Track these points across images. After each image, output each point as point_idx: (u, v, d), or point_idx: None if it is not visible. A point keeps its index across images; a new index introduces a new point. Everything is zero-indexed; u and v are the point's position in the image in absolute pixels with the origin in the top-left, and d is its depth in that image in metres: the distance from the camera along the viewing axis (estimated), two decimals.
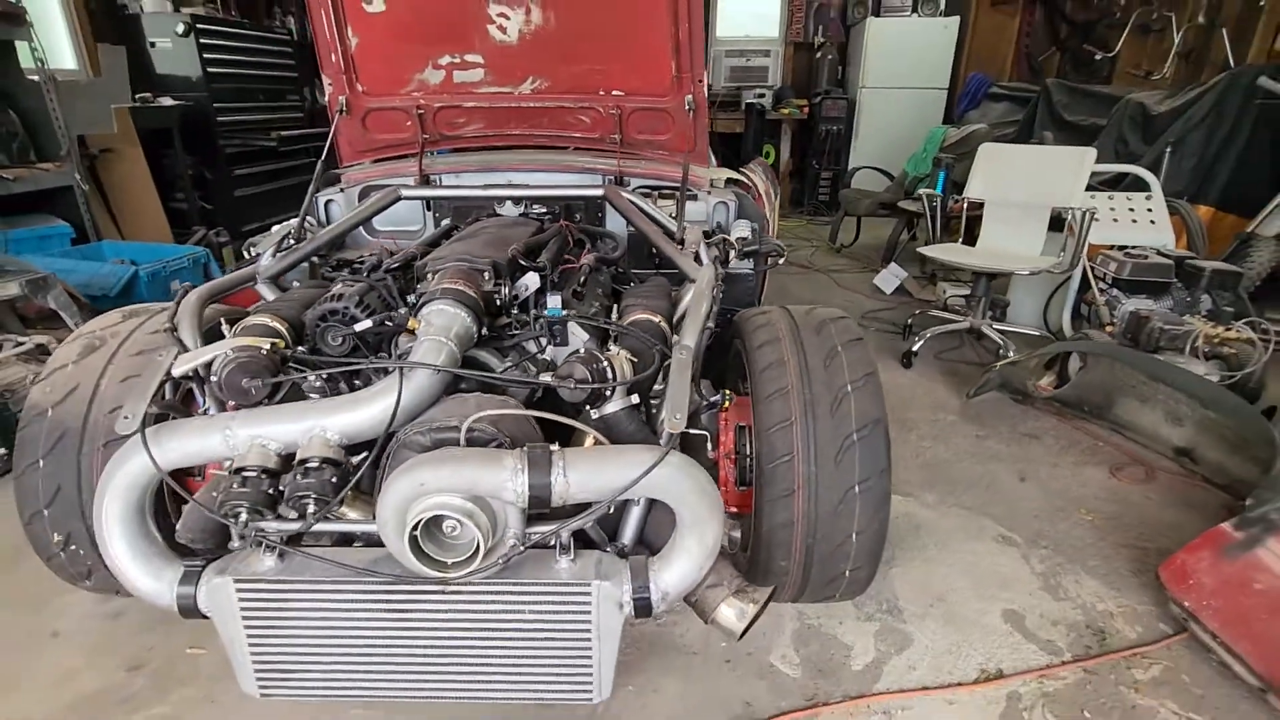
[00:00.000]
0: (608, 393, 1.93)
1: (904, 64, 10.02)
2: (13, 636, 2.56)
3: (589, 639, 1.85)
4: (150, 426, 1.86)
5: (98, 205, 6.08)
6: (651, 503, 2.09)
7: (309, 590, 1.82)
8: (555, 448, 1.69)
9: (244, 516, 1.73)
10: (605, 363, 1.94)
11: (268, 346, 1.93)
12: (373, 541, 1.99)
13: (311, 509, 1.72)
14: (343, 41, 3.20)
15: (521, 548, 1.69)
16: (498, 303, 2.27)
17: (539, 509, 1.68)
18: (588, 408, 1.96)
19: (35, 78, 5.43)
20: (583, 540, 1.96)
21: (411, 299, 2.22)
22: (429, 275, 2.28)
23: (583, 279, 2.49)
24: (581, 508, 1.76)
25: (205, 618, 1.88)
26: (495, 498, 1.66)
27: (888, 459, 2.17)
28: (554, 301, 2.29)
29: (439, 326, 2.02)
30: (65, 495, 2.18)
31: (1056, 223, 4.81)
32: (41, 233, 5.41)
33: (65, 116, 5.54)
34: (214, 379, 1.88)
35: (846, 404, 2.19)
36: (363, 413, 1.83)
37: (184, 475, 2.16)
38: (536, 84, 3.37)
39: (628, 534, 2.09)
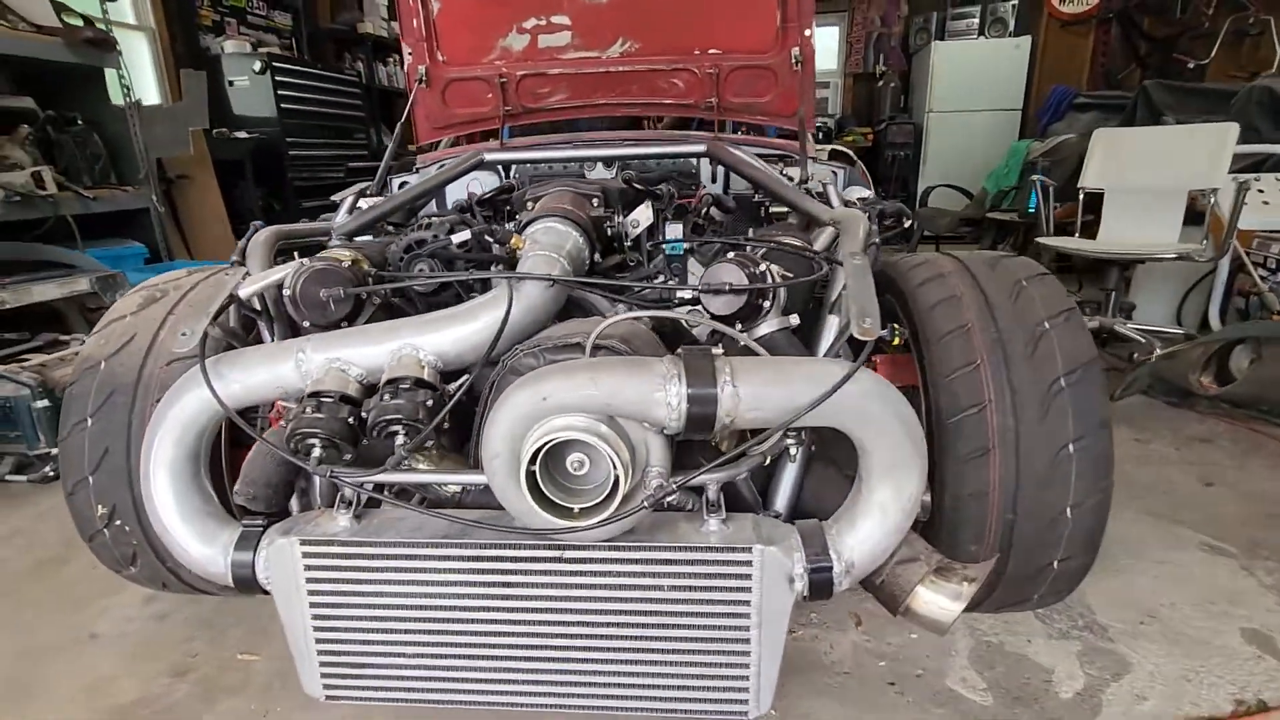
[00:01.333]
0: (765, 305, 1.53)
1: (973, 86, 9.71)
2: (48, 638, 2.23)
3: (747, 625, 1.40)
4: (211, 357, 1.54)
5: (171, 228, 6.11)
6: (811, 459, 1.66)
7: (391, 556, 1.43)
8: (718, 350, 1.29)
9: (317, 451, 1.37)
10: (763, 267, 1.55)
11: (349, 260, 1.61)
12: (463, 505, 1.60)
13: (401, 438, 1.35)
14: (425, 5, 3.02)
15: (672, 486, 1.28)
16: (609, 231, 1.92)
17: (697, 432, 1.28)
18: (737, 325, 1.56)
19: (121, 103, 5.53)
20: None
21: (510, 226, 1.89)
22: (528, 205, 1.95)
23: (705, 210, 2.13)
24: (705, 467, 1.35)
25: (265, 592, 1.50)
26: (641, 418, 1.26)
27: (1107, 410, 1.69)
28: (674, 232, 1.93)
29: (547, 244, 1.67)
30: (113, 460, 1.86)
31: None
32: (118, 252, 5.41)
33: (145, 141, 5.62)
34: (287, 293, 1.56)
35: (1047, 343, 1.73)
36: (463, 329, 1.48)
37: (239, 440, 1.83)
38: (626, 46, 3.12)
39: (781, 498, 1.65)
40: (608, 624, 1.44)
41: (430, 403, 1.37)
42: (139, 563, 1.94)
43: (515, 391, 1.27)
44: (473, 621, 1.46)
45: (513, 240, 1.68)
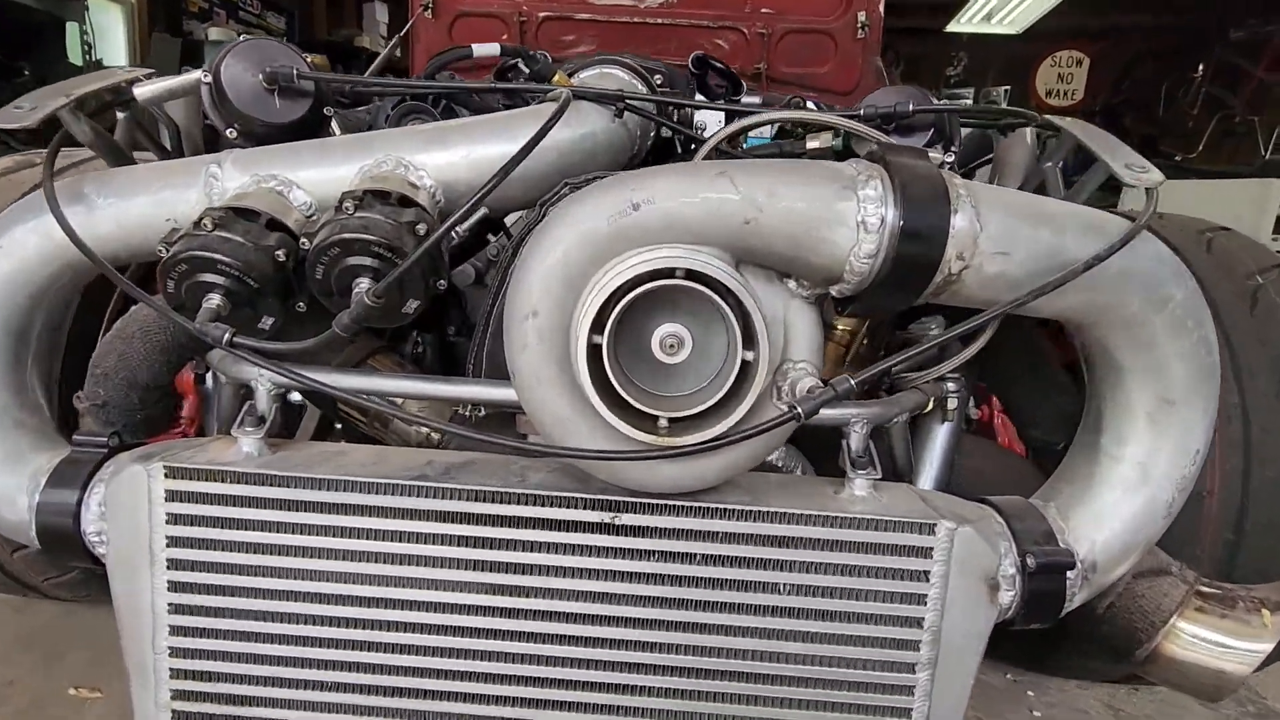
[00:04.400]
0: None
1: None
2: None
3: (914, 661, 0.84)
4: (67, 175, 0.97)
5: None
6: (963, 428, 1.13)
7: (326, 507, 0.84)
8: (938, 153, 0.77)
9: (215, 300, 0.79)
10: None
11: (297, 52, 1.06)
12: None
13: (365, 284, 0.78)
14: None
15: (846, 384, 0.71)
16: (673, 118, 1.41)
17: (893, 298, 0.74)
18: None
19: (79, 63, 4.98)
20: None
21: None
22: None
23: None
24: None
25: (96, 562, 0.88)
26: (797, 258, 0.72)
27: None
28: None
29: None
30: None
31: None
32: None
33: None
34: (207, 78, 0.99)
35: (1267, 298, 1.27)
36: (487, 147, 0.93)
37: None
38: None
39: (926, 475, 1.11)
40: (682, 645, 0.85)
41: (423, 230, 0.81)
42: None
43: (582, 200, 0.73)
44: (459, 627, 0.86)
45: (556, 77, 1.16)
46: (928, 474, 1.10)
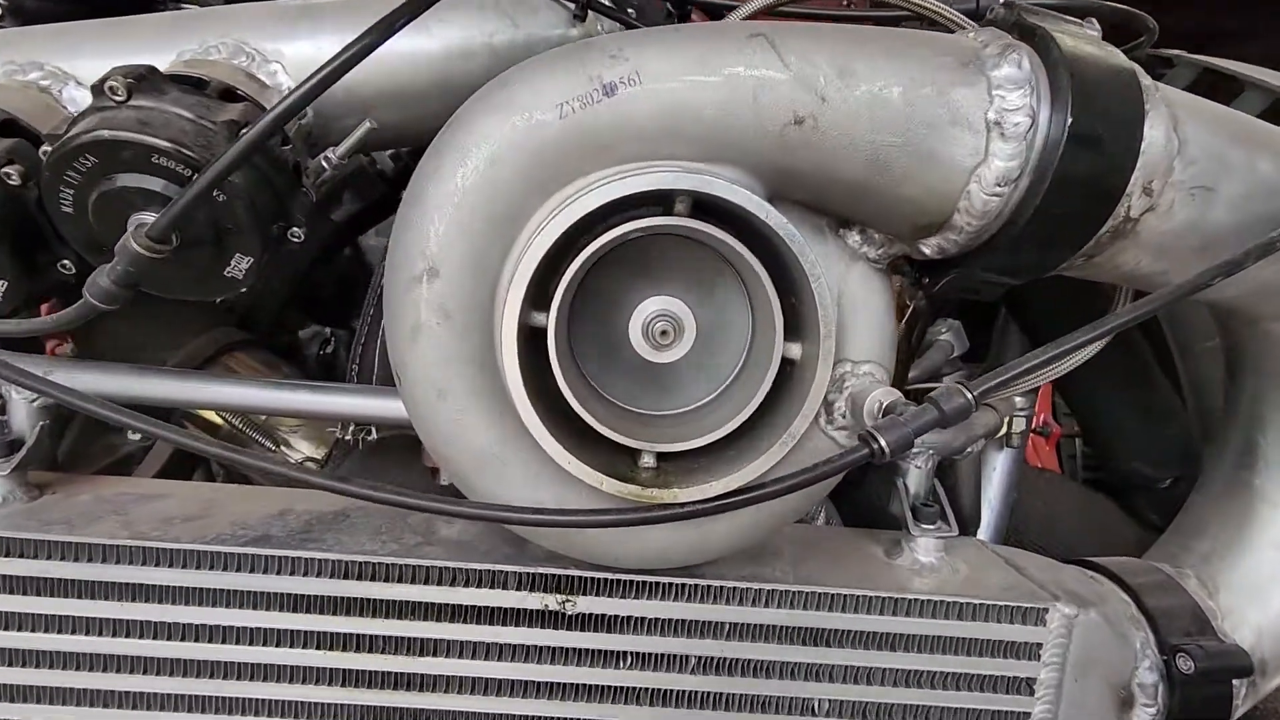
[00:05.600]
0: None
1: None
2: None
3: None
4: None
5: None
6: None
7: (103, 591, 0.51)
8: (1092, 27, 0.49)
9: None
10: None
11: None
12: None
13: (139, 220, 0.46)
14: None
15: (969, 395, 0.42)
16: None
17: (1046, 253, 0.45)
18: None
19: None
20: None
21: None
22: None
23: None
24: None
25: None
26: (894, 187, 0.43)
27: None
28: None
29: None
30: None
31: None
32: None
33: None
34: None
35: None
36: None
37: None
38: None
39: (985, 524, 0.85)
40: None
41: (247, 131, 0.49)
42: None
43: (518, 78, 0.43)
44: None
45: None
46: (984, 521, 0.84)
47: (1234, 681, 0.57)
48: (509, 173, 0.42)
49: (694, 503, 0.41)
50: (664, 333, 0.44)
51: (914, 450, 0.64)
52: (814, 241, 0.49)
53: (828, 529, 0.70)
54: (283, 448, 0.78)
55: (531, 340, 0.43)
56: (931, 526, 0.61)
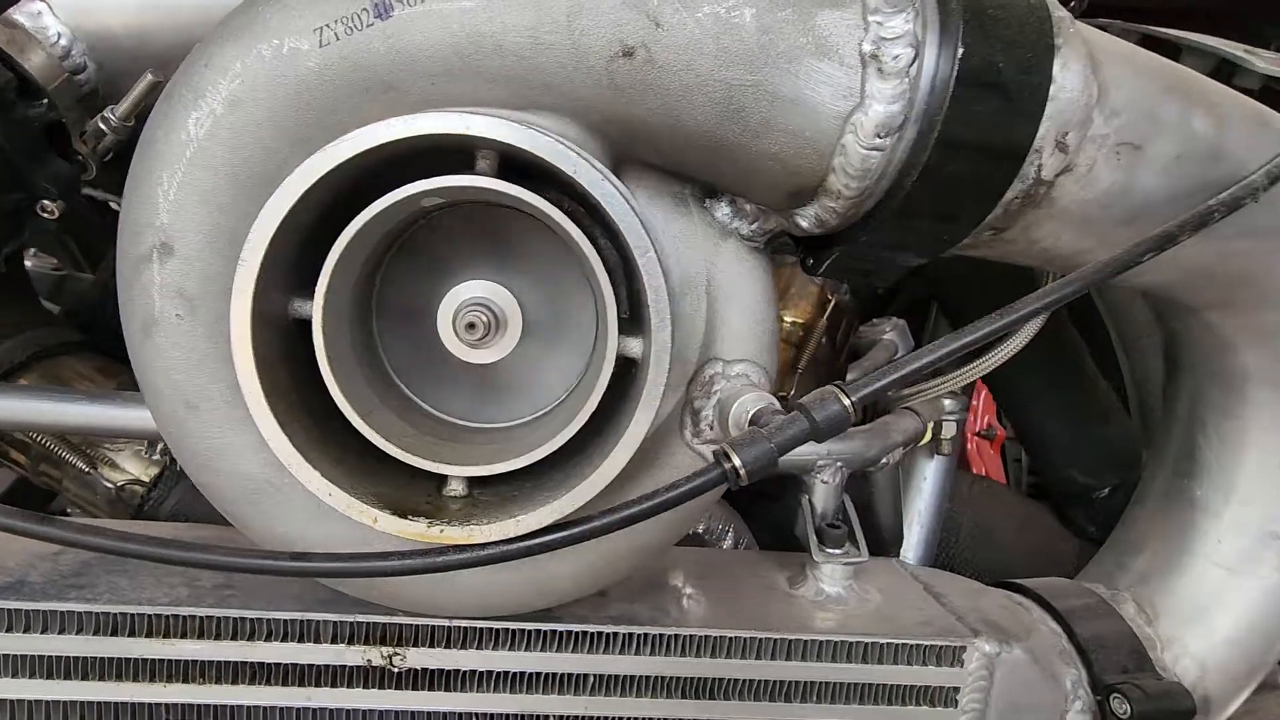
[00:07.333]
0: None
1: None
2: None
3: None
4: None
5: None
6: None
7: None
8: None
9: None
10: None
11: None
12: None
13: None
14: None
15: (846, 400, 0.34)
16: None
17: (941, 226, 0.37)
18: None
19: None
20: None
21: None
22: None
23: None
24: None
25: None
26: (752, 141, 0.35)
27: None
28: None
29: None
30: None
31: None
32: None
33: None
34: None
35: None
36: None
37: None
38: None
39: (911, 542, 0.77)
40: None
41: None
42: None
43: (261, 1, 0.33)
44: None
45: None
46: (911, 535, 0.76)
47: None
48: (257, 118, 0.32)
49: (495, 543, 0.32)
50: (471, 326, 0.35)
51: (820, 462, 0.56)
52: (674, 214, 0.40)
53: (731, 553, 0.61)
54: (102, 468, 0.67)
55: (292, 333, 0.34)
56: (838, 551, 0.53)
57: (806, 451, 0.56)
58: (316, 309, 0.33)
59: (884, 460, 0.59)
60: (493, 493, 0.37)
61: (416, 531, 0.32)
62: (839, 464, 0.56)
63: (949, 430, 0.74)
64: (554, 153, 0.30)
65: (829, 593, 0.52)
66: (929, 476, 0.79)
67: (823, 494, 0.56)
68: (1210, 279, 0.46)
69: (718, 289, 0.41)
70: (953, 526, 0.80)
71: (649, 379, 0.32)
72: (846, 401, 0.33)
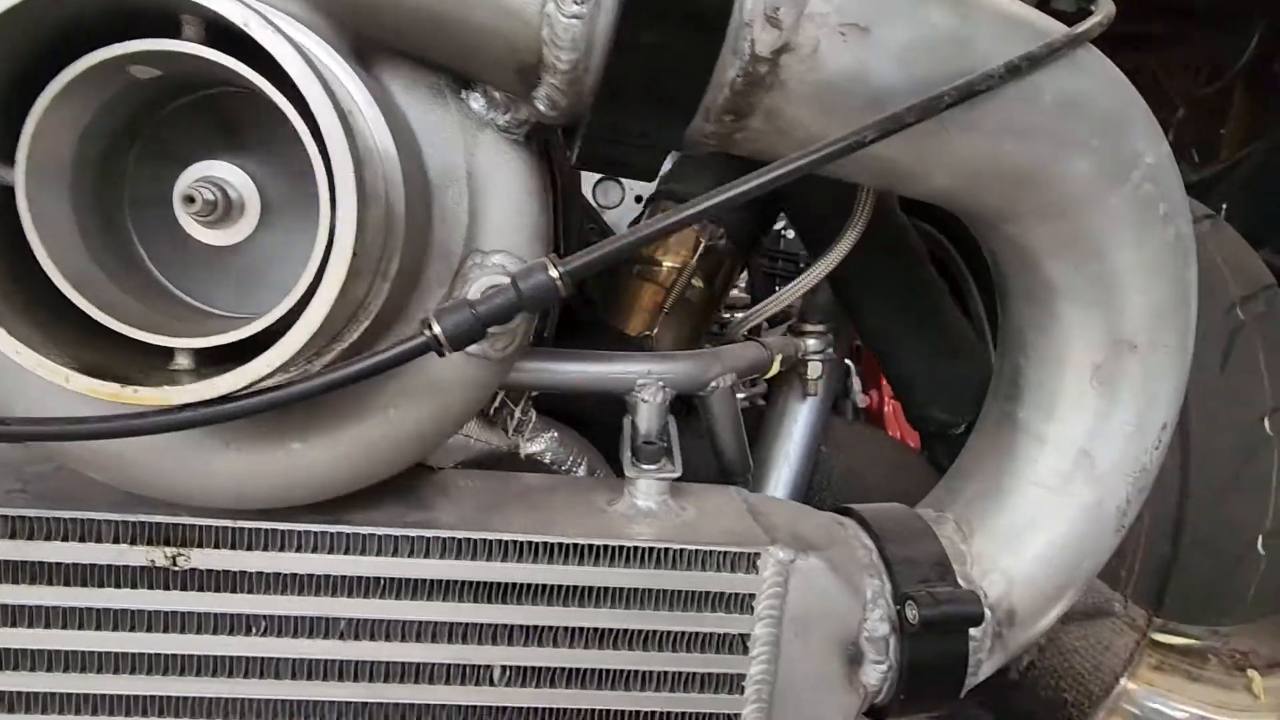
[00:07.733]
0: None
1: None
2: None
3: None
4: None
5: None
6: (830, 411, 0.82)
7: None
8: None
9: None
10: None
11: None
12: None
13: None
14: None
15: (554, 272, 0.34)
16: None
17: (658, 111, 0.36)
18: None
19: None
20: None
21: None
22: None
23: None
24: None
25: None
26: (461, 12, 0.35)
27: None
28: None
29: None
30: None
31: None
32: None
33: None
34: None
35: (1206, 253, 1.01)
36: None
37: None
38: None
39: (777, 471, 0.79)
40: None
41: None
42: None
43: None
44: None
45: None
46: (778, 475, 0.76)
47: (973, 633, 0.51)
48: None
49: (191, 405, 0.32)
50: (195, 200, 0.35)
51: (640, 380, 0.56)
52: (432, 106, 0.40)
53: (561, 477, 0.61)
54: None
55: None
56: (652, 467, 0.53)
57: (626, 369, 0.56)
58: (19, 174, 0.33)
59: (713, 385, 0.59)
60: (219, 372, 0.37)
61: (110, 392, 0.32)
62: (660, 383, 0.56)
63: (814, 370, 0.75)
64: (229, 8, 0.30)
65: (641, 507, 0.53)
66: (799, 419, 0.79)
67: (645, 413, 0.56)
68: (987, 185, 0.46)
69: (477, 181, 0.41)
70: (825, 469, 0.80)
71: (335, 248, 0.32)
72: (554, 272, 0.34)
